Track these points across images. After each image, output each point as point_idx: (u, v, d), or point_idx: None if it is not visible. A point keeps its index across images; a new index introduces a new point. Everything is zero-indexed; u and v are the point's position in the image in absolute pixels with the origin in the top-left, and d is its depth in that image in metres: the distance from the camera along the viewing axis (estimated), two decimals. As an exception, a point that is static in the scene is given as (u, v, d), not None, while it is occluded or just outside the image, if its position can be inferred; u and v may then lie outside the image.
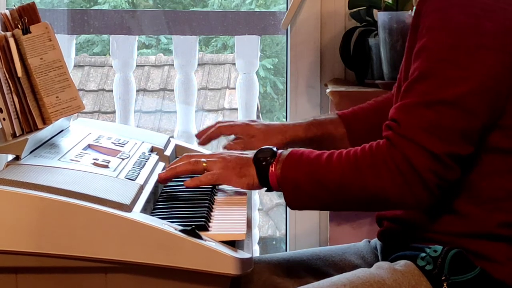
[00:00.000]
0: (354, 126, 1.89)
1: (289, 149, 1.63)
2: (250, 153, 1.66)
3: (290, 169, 1.59)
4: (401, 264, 1.59)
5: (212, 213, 1.57)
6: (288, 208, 2.82)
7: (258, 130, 1.86)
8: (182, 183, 1.70)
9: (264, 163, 1.62)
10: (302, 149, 1.63)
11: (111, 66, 4.14)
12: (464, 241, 1.57)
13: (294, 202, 1.60)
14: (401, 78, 1.67)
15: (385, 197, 1.53)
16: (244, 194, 1.72)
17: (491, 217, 1.56)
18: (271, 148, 1.64)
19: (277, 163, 1.61)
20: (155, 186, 1.67)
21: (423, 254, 1.57)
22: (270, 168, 1.61)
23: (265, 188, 1.64)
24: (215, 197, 1.70)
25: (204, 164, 1.66)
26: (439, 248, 1.56)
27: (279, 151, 1.63)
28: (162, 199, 1.66)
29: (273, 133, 1.85)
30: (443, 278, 1.55)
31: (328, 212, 2.61)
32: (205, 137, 1.90)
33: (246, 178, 1.64)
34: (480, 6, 1.53)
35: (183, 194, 1.68)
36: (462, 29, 1.52)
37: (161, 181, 1.70)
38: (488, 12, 1.53)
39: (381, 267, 1.60)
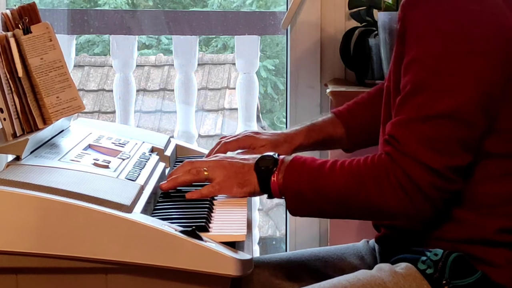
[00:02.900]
0: (351, 124, 1.89)
1: (291, 156, 1.63)
2: (251, 159, 1.65)
3: (292, 178, 1.59)
4: (402, 267, 1.59)
5: (212, 214, 1.57)
6: (288, 208, 2.83)
7: (265, 141, 1.84)
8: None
9: (266, 172, 1.61)
10: (304, 156, 1.63)
11: (111, 66, 4.14)
12: (462, 246, 1.57)
13: (296, 210, 1.61)
14: (389, 85, 1.66)
15: (388, 211, 1.54)
16: None
17: (487, 223, 1.56)
18: (272, 156, 1.63)
19: (279, 172, 1.60)
20: (156, 187, 1.67)
21: (424, 258, 1.57)
22: (272, 178, 1.61)
23: (267, 196, 1.64)
24: (215, 196, 1.70)
25: (206, 173, 1.65)
26: (439, 251, 1.56)
27: (281, 157, 1.63)
28: (162, 200, 1.66)
29: (281, 143, 1.85)
30: (444, 282, 1.54)
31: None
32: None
33: (247, 187, 1.63)
34: (467, 13, 1.53)
35: (184, 195, 1.68)
36: (451, 37, 1.52)
37: (164, 191, 1.69)
38: (475, 18, 1.52)
39: (382, 269, 1.59)
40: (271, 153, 1.65)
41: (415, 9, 1.56)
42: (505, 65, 1.53)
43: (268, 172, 1.61)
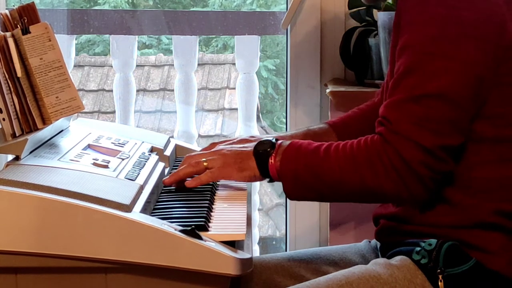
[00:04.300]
0: (345, 134, 1.91)
1: (289, 141, 1.65)
2: (250, 146, 1.68)
3: (289, 160, 1.61)
4: (396, 259, 1.61)
5: (212, 213, 1.58)
6: (288, 208, 2.83)
7: None
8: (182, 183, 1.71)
9: (264, 155, 1.64)
10: (301, 140, 1.65)
11: (111, 66, 4.14)
12: (459, 232, 1.58)
13: (293, 193, 1.63)
14: (388, 80, 1.68)
15: (381, 192, 1.55)
16: (244, 189, 1.74)
17: (483, 206, 1.58)
18: (270, 140, 1.66)
19: (276, 154, 1.63)
20: (155, 186, 1.67)
21: (418, 248, 1.59)
22: (270, 160, 1.63)
23: (267, 179, 1.67)
24: (216, 191, 1.71)
25: (205, 164, 1.68)
26: (433, 241, 1.58)
27: (279, 141, 1.66)
28: (162, 199, 1.66)
29: None
30: (438, 271, 1.56)
31: (328, 212, 2.61)
32: None
33: (247, 171, 1.66)
34: None
35: (183, 194, 1.68)
36: (442, 20, 1.53)
37: (165, 187, 1.72)
38: (467, 2, 1.55)
39: (377, 263, 1.62)
40: (269, 137, 1.68)
41: None
42: (496, 50, 1.54)
43: (266, 154, 1.64)
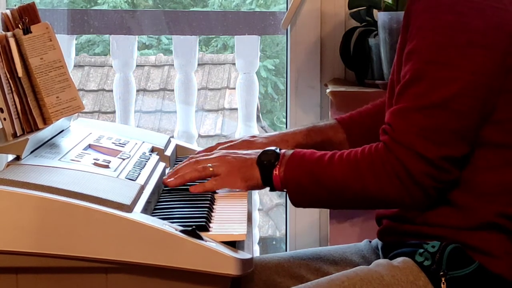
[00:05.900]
0: (353, 130, 1.90)
1: (292, 150, 1.66)
2: (254, 154, 1.68)
3: (293, 170, 1.62)
4: (399, 260, 1.61)
5: (212, 214, 1.58)
6: (288, 208, 2.83)
7: (261, 144, 1.85)
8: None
9: (268, 166, 1.64)
10: (304, 150, 1.66)
11: (111, 66, 4.14)
12: (462, 234, 1.58)
13: (297, 201, 1.64)
14: (393, 79, 1.68)
15: (384, 198, 1.56)
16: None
17: (487, 209, 1.58)
18: (274, 150, 1.66)
19: (280, 165, 1.63)
20: (156, 186, 1.67)
21: (421, 250, 1.59)
22: (274, 171, 1.64)
23: (269, 189, 1.67)
24: (216, 192, 1.71)
25: (211, 169, 1.68)
26: (437, 243, 1.58)
27: (282, 151, 1.66)
28: (162, 200, 1.66)
29: (277, 143, 1.85)
30: (441, 273, 1.56)
31: (328, 211, 2.61)
32: None
33: (250, 181, 1.67)
34: (469, 4, 1.54)
35: (184, 195, 1.68)
36: (451, 27, 1.53)
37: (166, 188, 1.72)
38: (476, 10, 1.54)
39: (379, 264, 1.62)
40: (273, 148, 1.68)
41: (418, 1, 1.57)
42: (506, 58, 1.54)
43: (270, 166, 1.64)
